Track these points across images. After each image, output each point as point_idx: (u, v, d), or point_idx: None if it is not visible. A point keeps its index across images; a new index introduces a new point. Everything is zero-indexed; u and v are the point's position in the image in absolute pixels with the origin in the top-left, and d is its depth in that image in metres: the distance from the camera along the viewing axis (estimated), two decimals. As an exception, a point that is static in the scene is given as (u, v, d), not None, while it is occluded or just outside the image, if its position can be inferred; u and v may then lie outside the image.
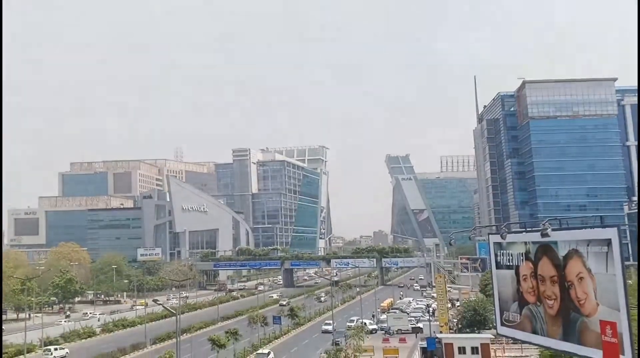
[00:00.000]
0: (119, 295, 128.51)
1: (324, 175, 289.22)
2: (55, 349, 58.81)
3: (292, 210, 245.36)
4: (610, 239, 20.59)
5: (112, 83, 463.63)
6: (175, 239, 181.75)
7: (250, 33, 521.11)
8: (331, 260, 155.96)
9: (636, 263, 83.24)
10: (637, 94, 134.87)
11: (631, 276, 50.34)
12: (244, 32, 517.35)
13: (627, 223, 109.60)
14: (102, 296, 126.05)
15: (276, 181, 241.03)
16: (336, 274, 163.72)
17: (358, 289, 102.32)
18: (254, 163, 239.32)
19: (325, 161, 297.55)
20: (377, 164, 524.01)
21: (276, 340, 64.79)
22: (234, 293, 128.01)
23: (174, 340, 52.95)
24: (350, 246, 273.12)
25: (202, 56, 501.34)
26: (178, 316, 46.88)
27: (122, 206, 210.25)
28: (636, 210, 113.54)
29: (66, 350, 60.14)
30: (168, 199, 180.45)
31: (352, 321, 68.85)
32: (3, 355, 55.20)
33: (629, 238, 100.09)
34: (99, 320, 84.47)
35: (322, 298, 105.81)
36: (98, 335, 73.01)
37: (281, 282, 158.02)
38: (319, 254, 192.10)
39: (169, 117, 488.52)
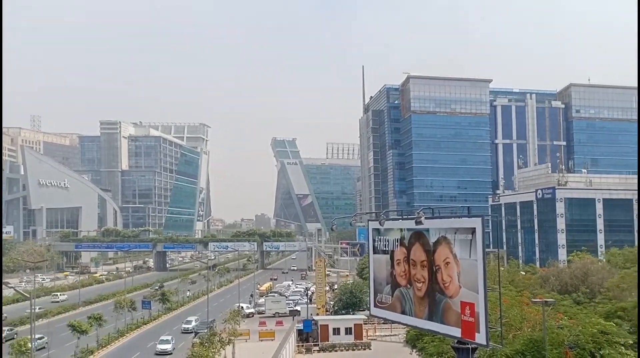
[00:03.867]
0: None
1: (204, 154, 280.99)
2: (60, 295, 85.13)
3: (167, 190, 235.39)
4: (474, 228, 21.98)
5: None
6: (31, 216, 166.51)
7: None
8: (209, 243, 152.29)
9: (496, 250, 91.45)
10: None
11: (490, 262, 54.79)
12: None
13: (490, 213, 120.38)
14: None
15: (150, 158, 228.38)
16: (214, 257, 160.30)
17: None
18: (125, 137, 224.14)
19: (207, 140, 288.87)
20: (263, 147, 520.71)
21: (145, 326, 61.55)
22: (97, 276, 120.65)
23: (28, 325, 47.97)
24: (231, 229, 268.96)
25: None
26: (32, 300, 42.33)
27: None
28: (499, 202, 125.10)
29: (66, 295, 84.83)
30: (22, 173, 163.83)
31: (188, 322, 59.15)
32: None
33: (490, 228, 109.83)
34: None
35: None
36: None
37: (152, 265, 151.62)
38: (196, 236, 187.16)
39: (24, 79, 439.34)
